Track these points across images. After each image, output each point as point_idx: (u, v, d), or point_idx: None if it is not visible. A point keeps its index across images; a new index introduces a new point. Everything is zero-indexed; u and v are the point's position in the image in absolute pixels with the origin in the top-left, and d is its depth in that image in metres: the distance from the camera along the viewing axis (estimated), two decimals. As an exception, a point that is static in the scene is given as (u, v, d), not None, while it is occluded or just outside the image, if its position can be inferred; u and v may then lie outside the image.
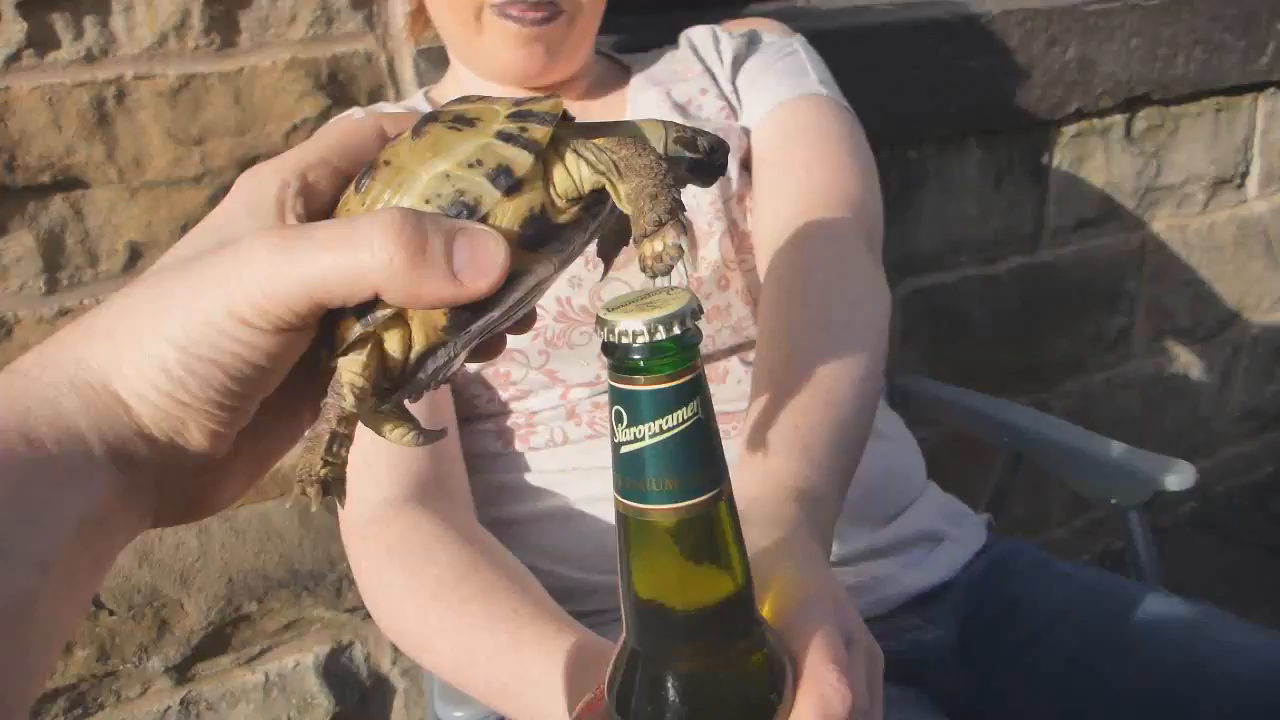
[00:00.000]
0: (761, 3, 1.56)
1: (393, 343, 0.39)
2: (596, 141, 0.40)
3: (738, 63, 1.04)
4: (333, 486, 0.41)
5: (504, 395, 0.93)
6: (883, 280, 0.85)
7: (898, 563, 0.91)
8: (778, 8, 1.55)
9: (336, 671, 1.37)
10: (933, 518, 0.97)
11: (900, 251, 1.63)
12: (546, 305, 0.90)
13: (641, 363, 0.37)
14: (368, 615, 1.36)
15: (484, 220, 0.38)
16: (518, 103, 0.41)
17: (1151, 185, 1.86)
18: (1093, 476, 1.12)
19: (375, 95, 1.21)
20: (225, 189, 1.16)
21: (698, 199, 0.94)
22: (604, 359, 0.38)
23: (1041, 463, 1.21)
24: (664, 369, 0.37)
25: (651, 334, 0.36)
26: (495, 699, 0.69)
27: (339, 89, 1.19)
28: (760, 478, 0.64)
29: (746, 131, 1.00)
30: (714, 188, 0.94)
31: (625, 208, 0.39)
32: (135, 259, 1.14)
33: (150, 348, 0.35)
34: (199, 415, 0.37)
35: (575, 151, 0.40)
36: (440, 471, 0.83)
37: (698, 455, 0.38)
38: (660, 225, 0.37)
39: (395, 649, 1.40)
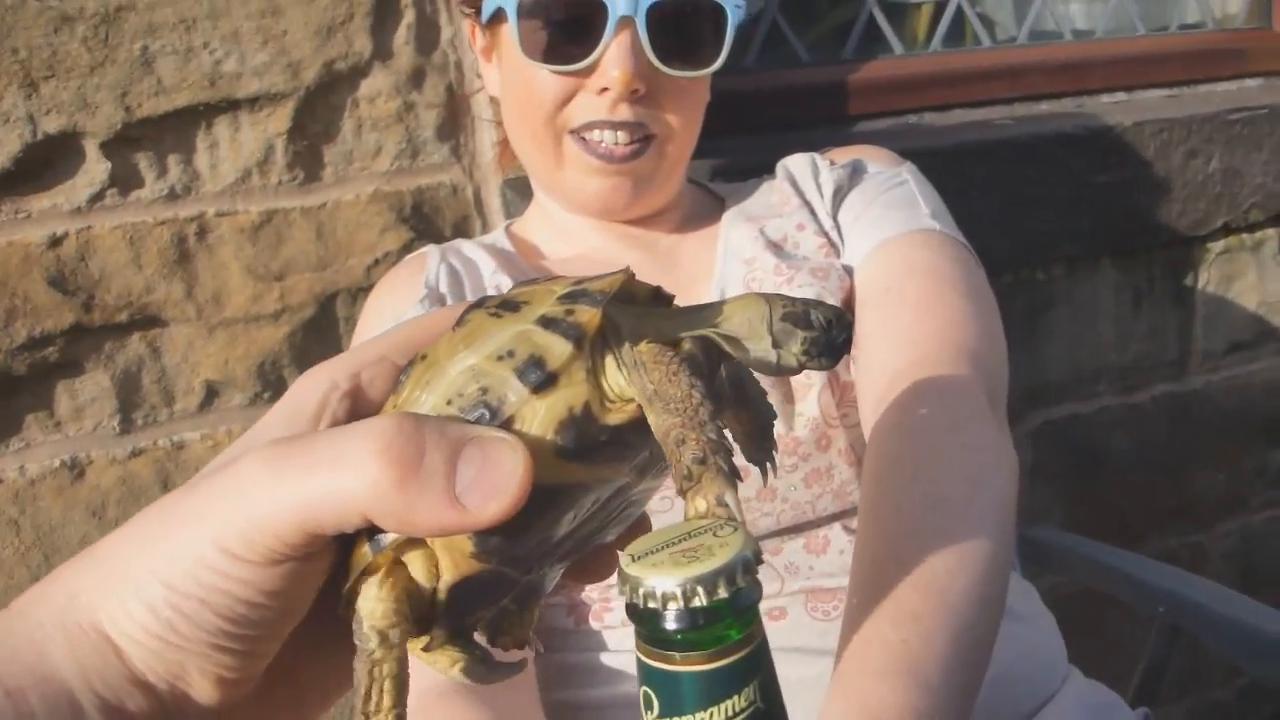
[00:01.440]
0: (870, 120, 1.48)
1: (418, 570, 0.33)
2: (640, 349, 0.33)
3: (839, 195, 0.95)
4: None
5: None
6: (1008, 446, 0.73)
7: (1039, 773, 0.77)
8: (889, 125, 1.47)
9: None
10: (1079, 715, 0.82)
11: (1028, 381, 1.49)
12: None
13: (679, 636, 0.26)
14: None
15: (508, 425, 0.32)
16: (580, 280, 0.36)
17: (1313, 304, 1.68)
18: (1273, 662, 0.94)
19: (460, 227, 1.16)
20: (305, 325, 1.12)
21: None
22: (631, 625, 0.28)
23: (1206, 638, 1.04)
24: (710, 644, 0.26)
25: (690, 597, 0.26)
26: None
27: (423, 221, 1.15)
28: (859, 710, 0.52)
29: (849, 270, 0.90)
30: None
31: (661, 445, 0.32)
32: (211, 398, 1.10)
33: (138, 584, 0.31)
34: (198, 660, 0.32)
35: (617, 358, 0.33)
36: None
37: None
38: (693, 478, 0.30)
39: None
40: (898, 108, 1.50)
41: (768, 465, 0.40)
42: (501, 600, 0.36)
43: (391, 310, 0.89)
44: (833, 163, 0.98)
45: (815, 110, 1.46)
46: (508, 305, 0.35)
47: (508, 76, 0.92)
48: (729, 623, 0.26)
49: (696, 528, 0.28)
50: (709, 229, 0.97)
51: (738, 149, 1.30)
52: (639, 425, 0.33)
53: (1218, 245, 1.60)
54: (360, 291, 1.12)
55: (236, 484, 0.31)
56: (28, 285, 1.02)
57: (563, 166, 0.90)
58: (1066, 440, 1.55)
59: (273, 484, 0.31)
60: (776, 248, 0.91)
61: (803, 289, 0.86)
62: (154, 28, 1.02)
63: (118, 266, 1.05)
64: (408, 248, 1.13)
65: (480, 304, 0.35)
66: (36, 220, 1.02)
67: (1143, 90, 1.64)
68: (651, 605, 0.26)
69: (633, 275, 0.36)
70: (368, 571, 0.33)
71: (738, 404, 0.39)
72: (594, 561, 0.38)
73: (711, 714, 0.26)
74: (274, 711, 0.36)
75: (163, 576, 0.31)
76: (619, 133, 0.88)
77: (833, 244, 0.92)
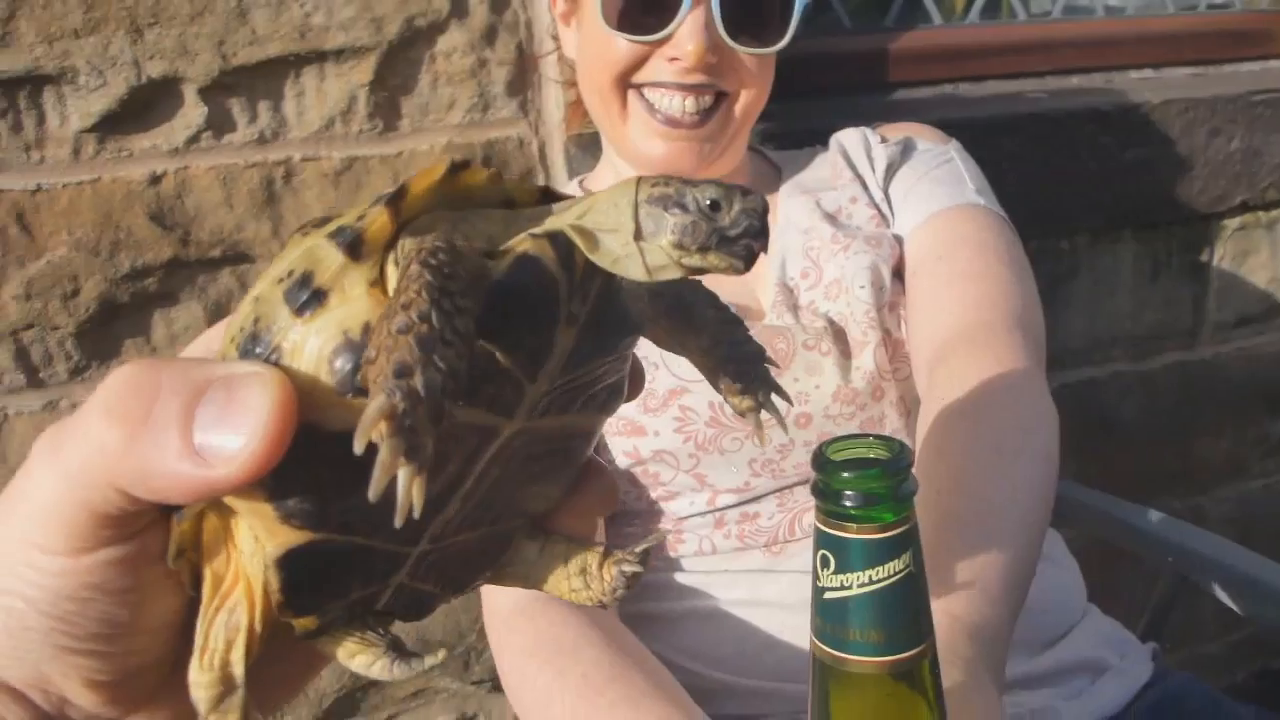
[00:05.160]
0: (908, 88, 1.54)
1: (244, 540, 0.30)
2: (403, 245, 0.29)
3: (891, 170, 1.02)
4: None
5: (653, 494, 0.91)
6: (1050, 401, 0.81)
7: (1058, 694, 0.85)
8: (926, 95, 1.53)
9: (458, 750, 1.36)
10: (1095, 645, 0.91)
11: (1049, 345, 1.56)
12: (698, 409, 0.88)
13: (856, 511, 0.34)
14: (493, 688, 1.35)
15: (275, 358, 0.28)
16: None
17: (1322, 282, 1.76)
18: (1272, 610, 1.03)
19: (525, 178, 1.23)
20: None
21: (852, 307, 0.91)
22: (816, 500, 0.36)
23: (1210, 589, 1.13)
24: (879, 519, 0.34)
25: (870, 483, 0.34)
26: None
27: (492, 172, 1.22)
28: (940, 613, 0.60)
29: (899, 239, 0.98)
30: (867, 294, 0.92)
31: None
32: (291, 332, 1.17)
33: None
34: (54, 663, 0.29)
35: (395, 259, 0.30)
36: None
37: (906, 610, 0.36)
38: (374, 420, 0.25)
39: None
40: (935, 77, 1.56)
41: (771, 399, 0.36)
42: (380, 577, 0.32)
43: None
44: (884, 139, 1.05)
45: (856, 76, 1.52)
46: (322, 221, 0.31)
47: (586, 40, 0.98)
48: (894, 505, 0.34)
49: (870, 434, 0.36)
50: (769, 198, 1.04)
51: (783, 112, 1.36)
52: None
53: (1234, 222, 1.67)
54: (432, 237, 1.19)
55: (26, 470, 0.29)
56: (130, 220, 1.09)
57: (627, 122, 0.97)
58: (1081, 403, 1.63)
59: (48, 466, 0.28)
60: (831, 219, 0.98)
61: (858, 255, 0.94)
62: (251, -20, 1.08)
63: (211, 205, 1.12)
64: (477, 197, 1.20)
65: (302, 224, 0.32)
66: (138, 159, 1.09)
67: (1170, 68, 1.70)
68: (840, 486, 0.34)
69: (496, 174, 0.32)
70: (183, 544, 0.30)
71: (680, 329, 0.35)
72: (579, 507, 0.36)
73: (874, 572, 0.34)
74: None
75: None
76: (686, 100, 0.94)
77: (883, 215, 1.00)
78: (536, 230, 0.31)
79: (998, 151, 1.43)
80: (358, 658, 0.32)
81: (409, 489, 0.25)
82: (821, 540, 0.36)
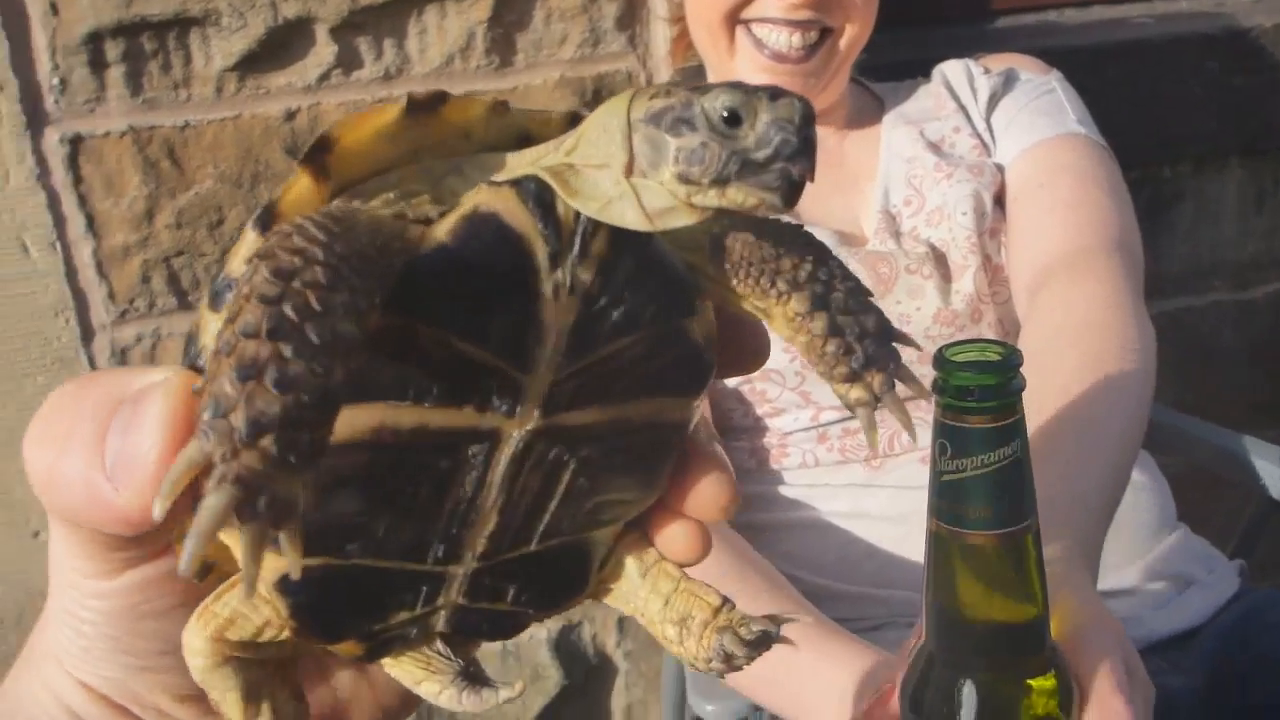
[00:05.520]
0: (1012, 15, 1.54)
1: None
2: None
3: (993, 100, 1.05)
4: None
5: (758, 411, 0.97)
6: (1149, 324, 0.85)
7: (1144, 603, 0.90)
8: (1031, 22, 1.53)
9: (566, 647, 1.45)
10: (1183, 560, 0.95)
11: (1147, 273, 1.57)
12: None
13: (974, 404, 0.40)
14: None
15: (201, 360, 0.26)
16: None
17: None
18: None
19: (634, 111, 1.28)
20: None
21: (953, 233, 0.95)
22: (935, 395, 0.41)
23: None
24: (993, 410, 0.40)
25: (987, 379, 0.39)
26: (760, 688, 0.73)
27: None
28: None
29: (1000, 168, 1.00)
30: (969, 221, 0.95)
31: None
32: (413, 259, 1.25)
33: (57, 620, 0.29)
34: (140, 678, 0.29)
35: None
36: None
37: (1014, 490, 0.41)
38: (179, 476, 0.22)
39: (620, 631, 1.47)
40: (1040, 3, 1.55)
41: (893, 391, 0.29)
42: (424, 600, 0.29)
43: None
44: (986, 70, 1.08)
45: (960, 6, 1.52)
46: None
47: None
48: (1005, 399, 0.40)
49: (984, 338, 0.41)
50: (871, 129, 1.07)
51: (883, 43, 1.38)
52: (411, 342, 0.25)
53: (1346, 149, 1.63)
54: (545, 168, 1.25)
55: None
56: (268, 153, 1.17)
57: (734, 58, 1.01)
58: (1180, 330, 1.63)
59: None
60: (935, 147, 1.02)
61: (960, 184, 0.97)
62: (376, -77, 1.14)
63: (341, 139, 1.19)
64: (587, 129, 1.25)
65: None
66: (275, 96, 1.17)
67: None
68: (960, 382, 0.39)
69: (497, 104, 0.28)
70: (210, 559, 0.28)
71: (761, 287, 0.28)
72: (680, 506, 0.31)
73: (987, 456, 0.40)
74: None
75: (59, 604, 0.29)
76: (793, 35, 0.97)
77: (985, 145, 1.03)
78: (499, 176, 0.26)
79: (1101, 79, 1.42)
80: (424, 684, 0.30)
81: (251, 556, 0.21)
82: (940, 431, 0.41)
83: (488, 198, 0.25)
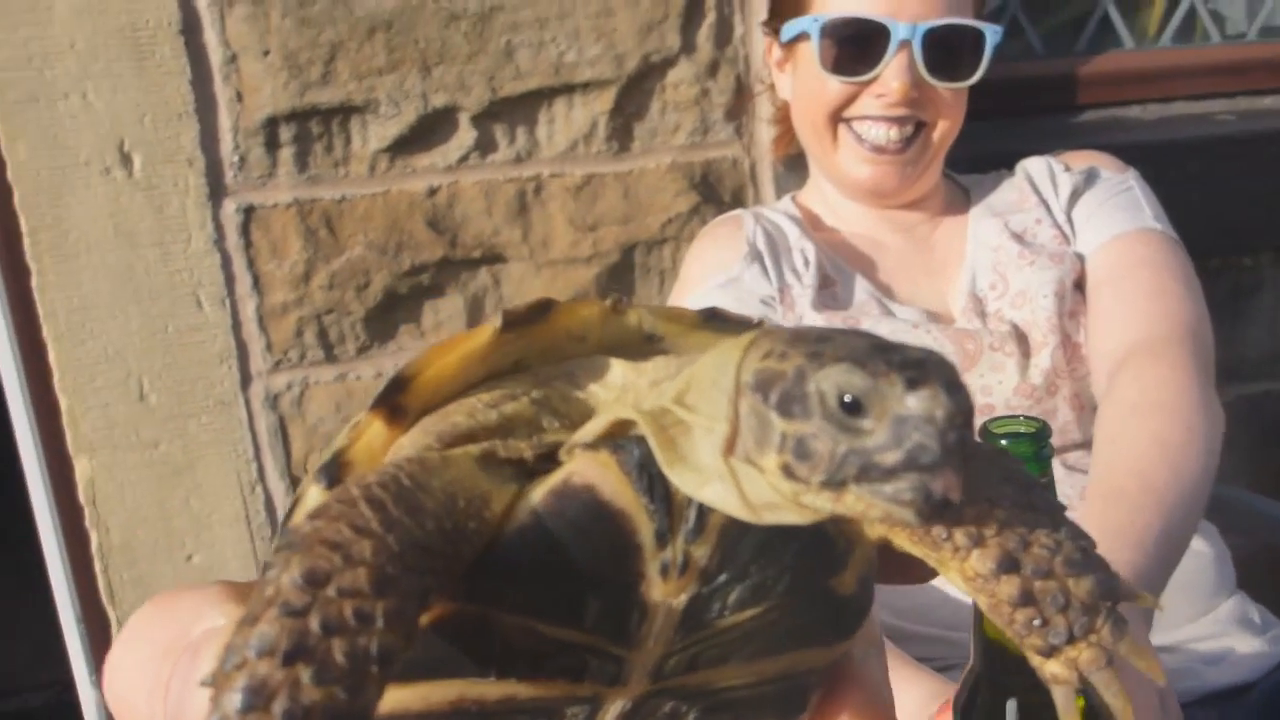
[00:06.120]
0: (1095, 110, 1.63)
1: None
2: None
3: (1075, 195, 1.15)
4: None
5: None
6: (1218, 406, 0.94)
7: (1198, 658, 0.97)
8: (1111, 116, 1.62)
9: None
10: (1239, 622, 1.01)
11: (1226, 358, 1.62)
12: None
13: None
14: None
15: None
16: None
17: None
18: None
19: (737, 195, 1.40)
20: (610, 268, 1.38)
21: (1035, 314, 1.04)
22: None
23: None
24: (1030, 471, 0.50)
25: (1021, 447, 0.50)
26: None
27: (708, 189, 1.39)
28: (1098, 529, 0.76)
29: (1080, 256, 1.10)
30: (1050, 303, 1.05)
31: None
32: (532, 322, 1.38)
33: None
34: None
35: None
36: None
37: None
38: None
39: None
40: (1124, 99, 1.64)
41: (1108, 671, 0.25)
42: None
43: (715, 260, 1.13)
44: (1067, 167, 1.17)
45: (1046, 100, 1.62)
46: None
47: (802, 82, 1.14)
48: (1037, 464, 0.50)
49: (1022, 415, 0.51)
50: (959, 218, 1.17)
51: (972, 134, 1.48)
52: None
53: None
54: (655, 244, 1.38)
55: None
56: (412, 226, 1.31)
57: (838, 151, 1.12)
58: (1258, 414, 1.68)
59: None
60: (1019, 238, 1.11)
61: (1043, 270, 1.06)
62: (517, 25, 1.29)
63: (475, 213, 1.33)
64: (695, 210, 1.38)
65: None
66: (419, 175, 1.31)
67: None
68: (1004, 446, 0.50)
69: (613, 304, 0.26)
70: None
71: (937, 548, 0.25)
72: None
73: None
74: None
75: None
76: (891, 130, 1.09)
77: (1065, 235, 1.12)
78: (601, 417, 0.23)
79: (1182, 172, 1.50)
80: None
81: None
82: None
83: (584, 466, 0.22)
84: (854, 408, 0.20)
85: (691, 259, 1.19)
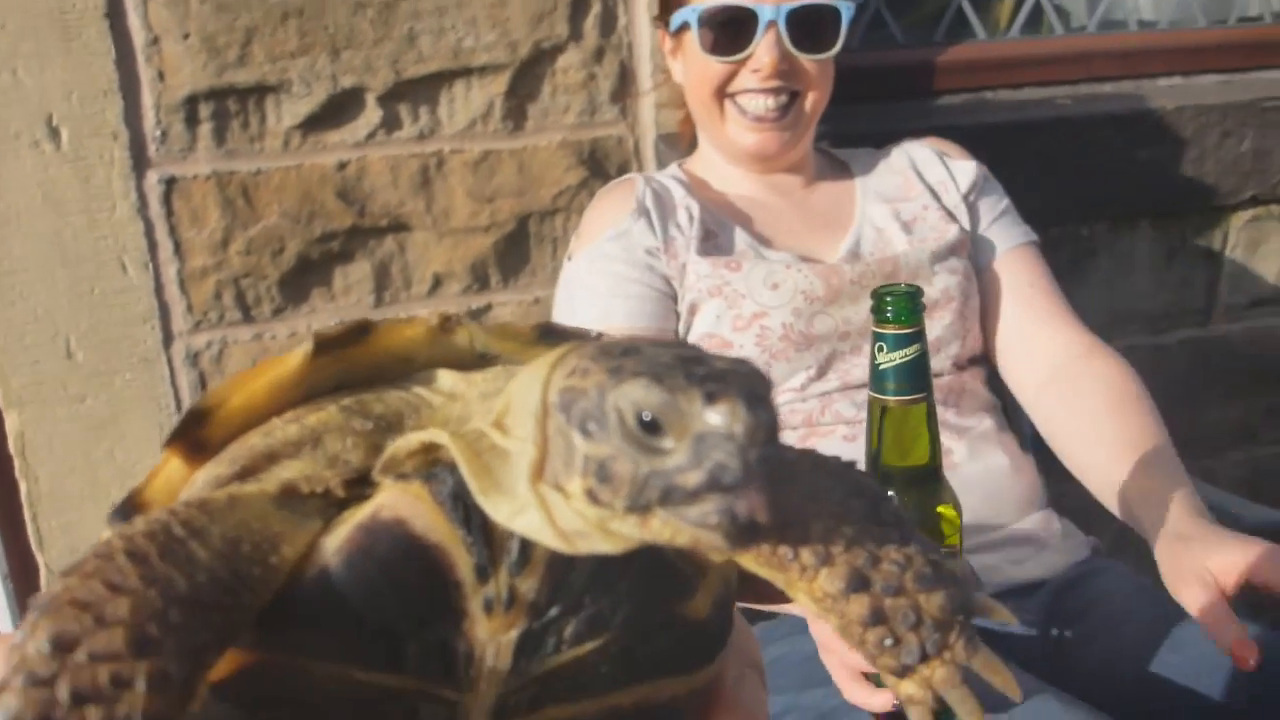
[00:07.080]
0: (950, 95, 1.80)
1: None
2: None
3: (976, 188, 1.32)
4: None
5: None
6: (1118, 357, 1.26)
7: (1006, 559, 1.13)
8: (965, 100, 1.79)
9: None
10: (1043, 530, 1.18)
11: (1068, 318, 1.81)
12: (772, 326, 1.17)
13: (892, 317, 0.70)
14: None
15: None
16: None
17: (1329, 270, 1.95)
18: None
19: (623, 170, 1.54)
20: (506, 237, 1.51)
21: (909, 258, 1.22)
22: (873, 314, 0.72)
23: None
24: (907, 322, 0.69)
25: (901, 303, 0.69)
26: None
27: (595, 164, 1.53)
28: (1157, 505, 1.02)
29: (965, 231, 1.28)
30: (925, 256, 1.23)
31: None
32: (436, 286, 1.51)
33: None
34: None
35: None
36: None
37: (918, 375, 0.72)
38: None
39: None
40: (978, 85, 1.81)
41: (959, 656, 0.25)
42: None
43: (609, 216, 1.26)
44: (964, 161, 1.33)
45: (907, 86, 1.78)
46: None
47: (689, 65, 1.29)
48: (911, 316, 0.68)
49: (896, 284, 0.70)
50: (839, 184, 1.33)
51: (840, 115, 1.64)
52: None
53: (1246, 214, 1.88)
54: (548, 214, 1.51)
55: None
56: (323, 196, 1.43)
57: (725, 123, 1.27)
58: (1096, 369, 1.86)
59: None
60: (907, 226, 1.27)
61: (922, 245, 1.24)
62: (418, 13, 1.41)
63: (382, 186, 1.45)
64: (584, 183, 1.52)
65: None
66: (330, 150, 1.43)
67: (1199, 76, 1.92)
68: (885, 306, 0.69)
69: (441, 323, 0.25)
70: None
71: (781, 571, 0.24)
72: None
73: (903, 352, 0.68)
74: None
75: None
76: (768, 100, 1.24)
77: (953, 217, 1.28)
78: (408, 446, 0.22)
79: (1025, 149, 1.68)
80: None
81: None
82: (877, 336, 0.72)
83: (393, 498, 0.21)
84: (653, 427, 0.19)
85: (588, 216, 1.32)
